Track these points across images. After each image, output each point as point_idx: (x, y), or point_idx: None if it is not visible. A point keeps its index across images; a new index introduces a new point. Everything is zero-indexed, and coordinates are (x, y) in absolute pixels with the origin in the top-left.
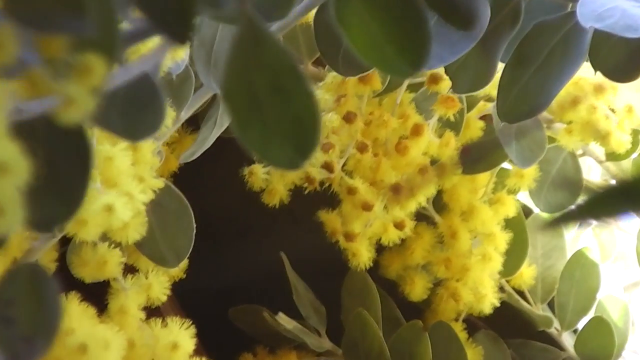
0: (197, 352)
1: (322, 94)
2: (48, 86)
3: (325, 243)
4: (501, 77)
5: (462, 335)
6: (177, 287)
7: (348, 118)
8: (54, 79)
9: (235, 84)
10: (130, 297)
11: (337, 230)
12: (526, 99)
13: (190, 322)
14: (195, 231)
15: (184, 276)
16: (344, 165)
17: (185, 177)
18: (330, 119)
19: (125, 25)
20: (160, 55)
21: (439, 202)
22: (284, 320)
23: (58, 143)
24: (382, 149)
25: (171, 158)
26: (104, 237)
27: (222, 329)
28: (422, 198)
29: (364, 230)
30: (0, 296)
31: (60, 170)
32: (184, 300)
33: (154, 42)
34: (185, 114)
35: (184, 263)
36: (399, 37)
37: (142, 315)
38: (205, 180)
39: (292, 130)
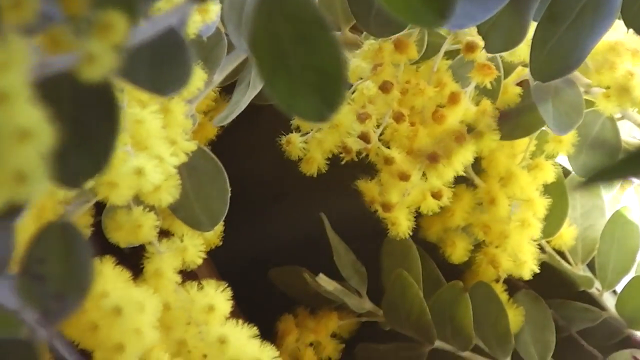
0: (233, 314)
1: (359, 62)
2: (70, 43)
3: (363, 207)
4: (533, 35)
5: (503, 295)
6: (215, 254)
7: (384, 87)
8: (75, 36)
9: (260, 35)
10: (166, 261)
11: (376, 200)
12: (559, 57)
13: (229, 285)
14: (230, 195)
15: (221, 243)
16: (380, 134)
17: (222, 145)
18: (366, 88)
19: None
20: (186, 10)
21: (478, 168)
22: (324, 282)
23: (84, 98)
24: (418, 117)
25: (208, 126)
26: (138, 201)
27: (262, 291)
28: (459, 166)
29: (402, 200)
30: (31, 254)
31: (88, 125)
32: (223, 266)
33: None
34: (218, 77)
35: (221, 229)
36: None
37: (178, 278)
38: (242, 148)
39: (317, 80)
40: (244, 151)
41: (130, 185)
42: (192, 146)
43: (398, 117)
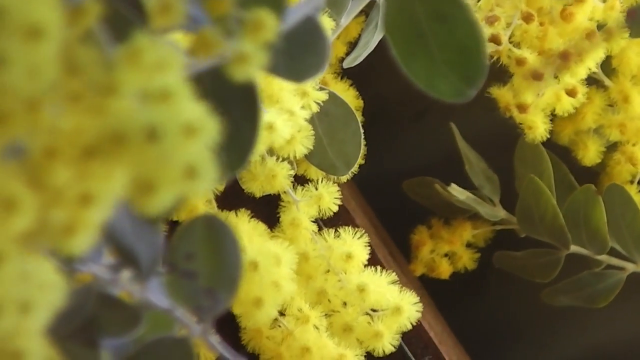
0: (371, 261)
1: None
2: (219, 44)
3: (498, 119)
4: None
5: (638, 197)
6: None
7: None
8: (224, 37)
9: (396, 16)
10: (302, 210)
11: (510, 104)
12: None
13: (366, 199)
14: (363, 136)
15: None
16: (510, 36)
17: (360, 65)
18: None
19: None
20: None
21: (608, 67)
22: (456, 191)
23: (227, 94)
24: (547, 17)
25: (337, 44)
26: (272, 151)
27: (397, 204)
28: (591, 63)
29: (537, 101)
30: (179, 250)
31: (232, 120)
32: (361, 181)
33: None
34: (345, 21)
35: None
36: None
37: (314, 227)
38: (378, 65)
39: (457, 59)
40: (380, 68)
41: (262, 140)
42: (323, 96)
43: (527, 18)
